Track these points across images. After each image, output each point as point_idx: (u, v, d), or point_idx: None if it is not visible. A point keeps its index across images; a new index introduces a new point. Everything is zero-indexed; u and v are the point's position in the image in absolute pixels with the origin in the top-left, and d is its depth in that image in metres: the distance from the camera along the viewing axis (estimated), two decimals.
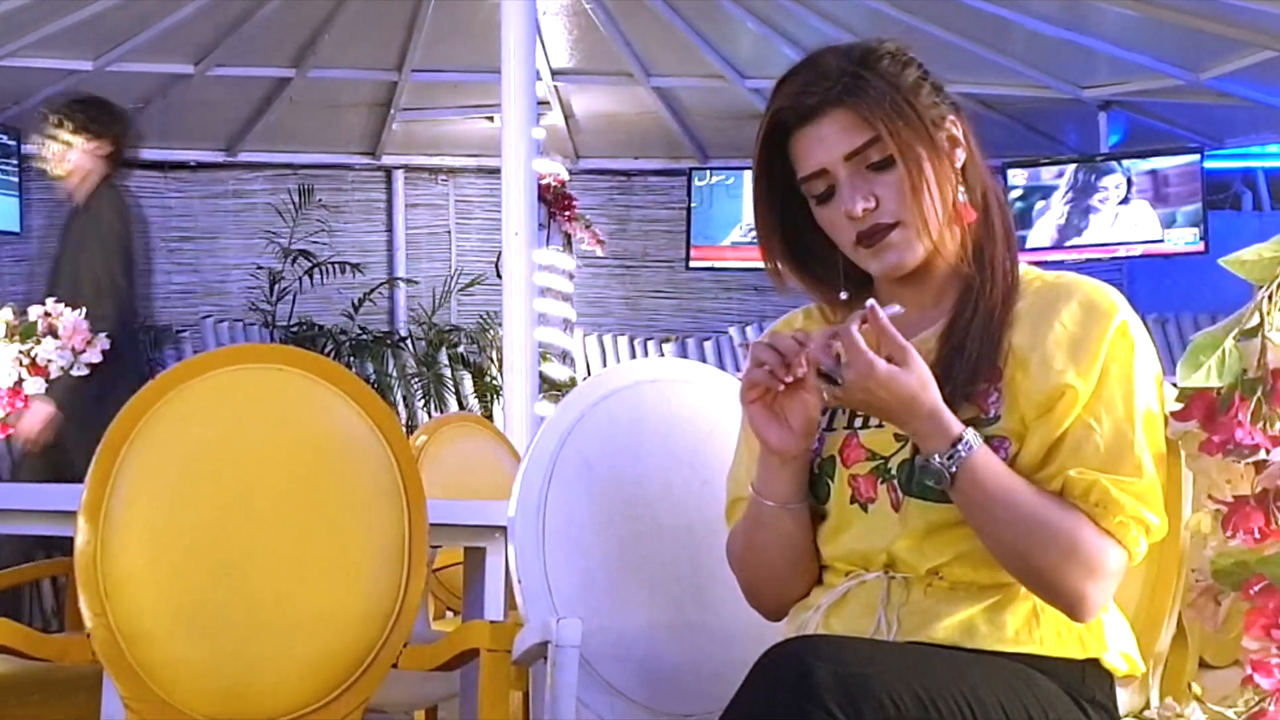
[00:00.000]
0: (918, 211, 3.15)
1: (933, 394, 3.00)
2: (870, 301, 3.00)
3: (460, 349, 15.09)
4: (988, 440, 3.06)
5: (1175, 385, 3.15)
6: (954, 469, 2.98)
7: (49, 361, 7.08)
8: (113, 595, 3.75)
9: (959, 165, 3.24)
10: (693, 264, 15.57)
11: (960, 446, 2.99)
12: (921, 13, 12.40)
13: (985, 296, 3.19)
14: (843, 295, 3.35)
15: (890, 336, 2.98)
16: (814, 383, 3.01)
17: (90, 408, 7.21)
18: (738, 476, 3.50)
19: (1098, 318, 3.12)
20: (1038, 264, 3.36)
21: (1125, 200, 14.18)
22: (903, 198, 3.15)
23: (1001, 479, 3.02)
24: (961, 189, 3.23)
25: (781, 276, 3.43)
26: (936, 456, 2.99)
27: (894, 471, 3.18)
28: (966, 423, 3.05)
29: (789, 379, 3.10)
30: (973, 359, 3.13)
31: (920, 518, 3.13)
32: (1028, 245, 13.97)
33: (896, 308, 3.03)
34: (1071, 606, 3.05)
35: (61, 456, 8.19)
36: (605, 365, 14.69)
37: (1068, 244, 14.27)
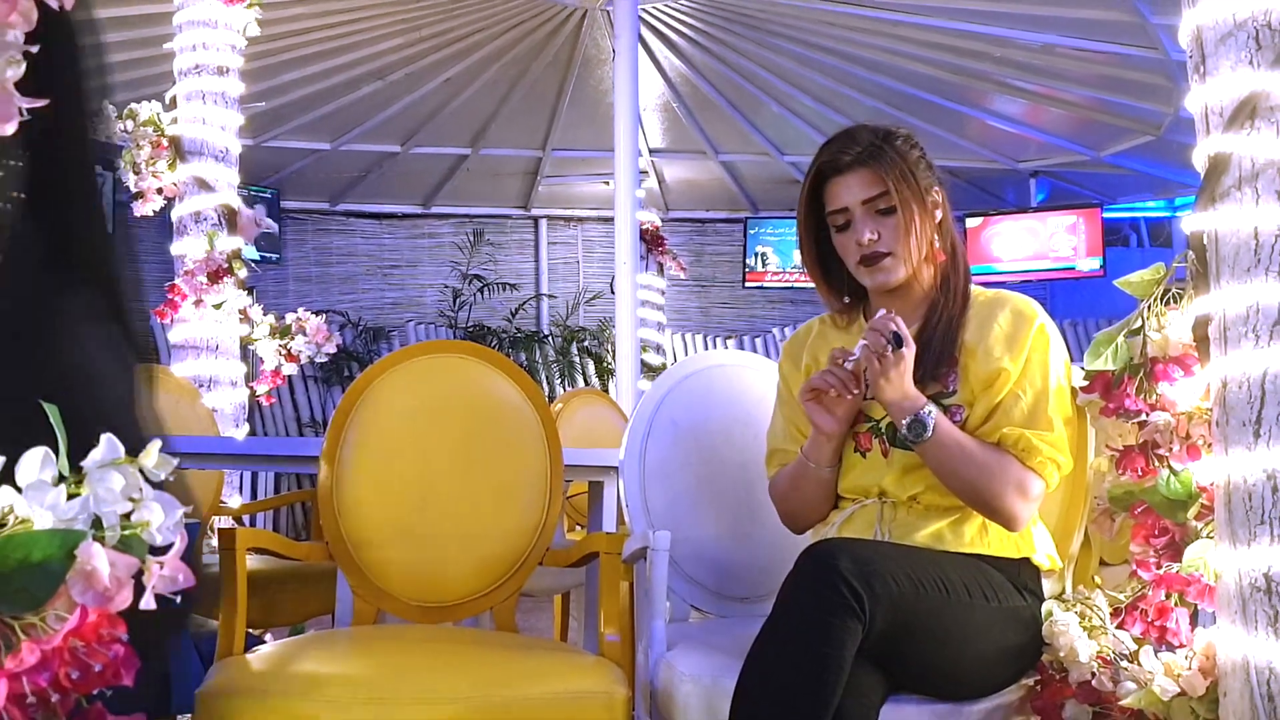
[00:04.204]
0: (905, 247, 3.23)
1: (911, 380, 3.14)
2: (893, 313, 3.16)
3: (586, 343, 15.13)
4: (948, 408, 3.18)
5: (1083, 369, 3.16)
6: (929, 426, 3.07)
7: (300, 352, 7.13)
8: (344, 515, 3.77)
9: (937, 221, 3.30)
10: (747, 284, 15.56)
11: (924, 412, 3.09)
12: (906, 109, 12.39)
13: (947, 309, 3.28)
14: (846, 300, 3.43)
15: (904, 336, 3.11)
16: (879, 346, 3.10)
17: None
18: (774, 434, 3.55)
19: (1024, 321, 3.20)
20: (984, 284, 3.40)
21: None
22: (897, 236, 3.24)
23: (957, 434, 3.12)
24: (937, 238, 3.30)
25: (823, 287, 3.49)
26: (911, 417, 3.10)
27: (883, 429, 3.26)
28: (933, 396, 3.18)
29: (852, 394, 3.20)
30: (938, 352, 3.22)
31: (901, 461, 3.21)
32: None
33: (882, 311, 3.17)
34: (1006, 521, 3.11)
35: None
36: (686, 355, 14.68)
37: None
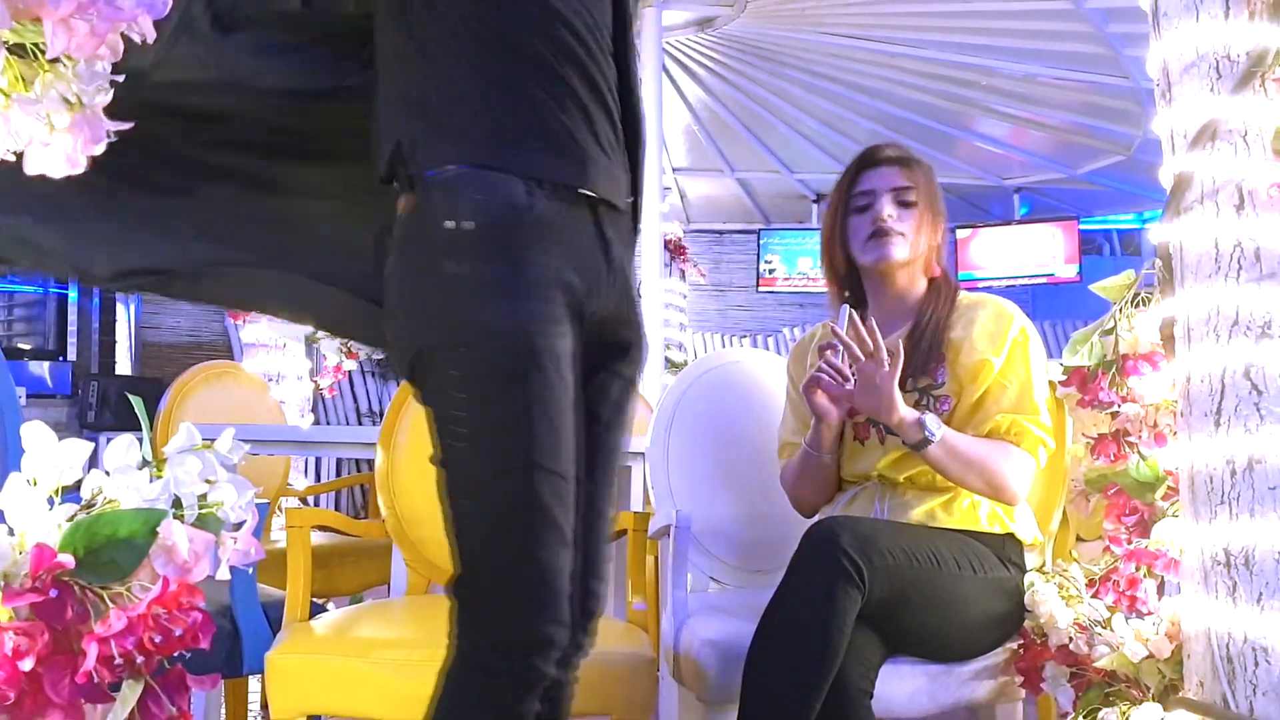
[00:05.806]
0: (917, 234, 3.33)
1: (898, 397, 3.14)
2: (872, 323, 3.17)
3: None
4: (937, 398, 3.22)
5: (1061, 364, 3.17)
6: (929, 444, 3.09)
7: (359, 349, 7.19)
8: (398, 496, 3.78)
9: (938, 243, 3.39)
10: (760, 289, 15.55)
11: (928, 433, 3.10)
12: (903, 131, 12.36)
13: (935, 311, 3.32)
14: (846, 294, 3.45)
15: (878, 342, 3.14)
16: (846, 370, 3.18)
17: None
18: (783, 429, 3.59)
19: (1004, 320, 3.25)
20: (970, 289, 3.43)
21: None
22: (911, 224, 3.33)
23: (952, 440, 3.12)
24: (935, 257, 3.39)
25: (836, 282, 3.52)
26: (914, 440, 3.12)
27: (879, 421, 3.25)
28: (922, 389, 3.23)
29: (848, 385, 3.19)
30: (927, 348, 3.26)
31: (896, 447, 3.22)
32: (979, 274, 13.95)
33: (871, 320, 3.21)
34: (1006, 499, 3.15)
35: None
36: (705, 353, 14.67)
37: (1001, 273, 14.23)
